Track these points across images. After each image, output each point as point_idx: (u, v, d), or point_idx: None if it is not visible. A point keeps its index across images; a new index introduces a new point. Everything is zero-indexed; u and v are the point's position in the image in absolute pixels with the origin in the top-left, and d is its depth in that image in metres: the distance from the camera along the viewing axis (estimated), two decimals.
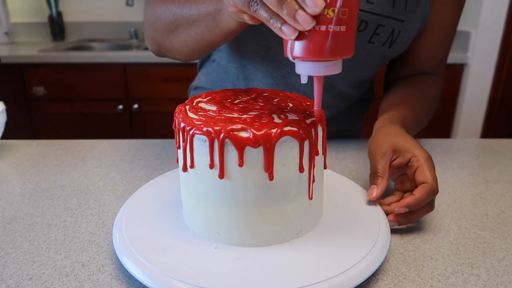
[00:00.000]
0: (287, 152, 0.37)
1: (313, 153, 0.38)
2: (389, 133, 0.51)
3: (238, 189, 0.37)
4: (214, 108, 0.41)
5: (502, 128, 1.93)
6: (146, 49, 1.97)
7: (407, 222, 0.45)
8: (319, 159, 0.40)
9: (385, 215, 0.44)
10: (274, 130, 0.36)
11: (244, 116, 0.39)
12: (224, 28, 0.47)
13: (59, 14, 2.07)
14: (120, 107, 1.79)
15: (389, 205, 0.47)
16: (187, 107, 0.42)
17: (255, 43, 0.65)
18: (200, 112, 0.40)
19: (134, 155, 0.67)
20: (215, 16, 0.47)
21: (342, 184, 0.52)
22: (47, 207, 0.51)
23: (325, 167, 0.43)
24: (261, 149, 0.36)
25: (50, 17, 2.06)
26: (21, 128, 1.81)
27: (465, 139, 0.77)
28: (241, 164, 0.36)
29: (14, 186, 0.57)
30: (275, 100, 0.45)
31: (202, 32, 0.51)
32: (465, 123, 1.89)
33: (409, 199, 0.44)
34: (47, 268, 0.39)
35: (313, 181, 0.40)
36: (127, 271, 0.38)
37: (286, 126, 0.37)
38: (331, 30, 0.32)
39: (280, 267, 0.36)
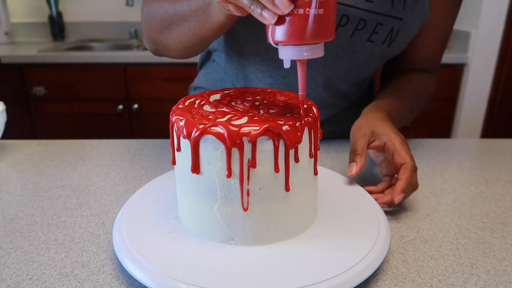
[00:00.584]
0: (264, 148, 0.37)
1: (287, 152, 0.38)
2: (371, 118, 0.56)
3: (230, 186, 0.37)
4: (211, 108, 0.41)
5: (502, 128, 1.93)
6: (146, 49, 1.98)
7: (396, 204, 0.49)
8: (304, 161, 0.39)
9: (385, 215, 0.44)
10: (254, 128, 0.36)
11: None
12: (214, 22, 0.48)
13: (59, 14, 2.07)
14: (120, 107, 1.79)
15: (383, 192, 0.51)
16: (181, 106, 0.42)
17: (254, 43, 0.65)
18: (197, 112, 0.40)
19: (134, 155, 0.67)
20: (205, 11, 0.48)
21: (341, 184, 0.52)
22: (47, 207, 0.51)
23: (315, 173, 0.42)
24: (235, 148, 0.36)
25: (50, 17, 2.06)
26: (21, 128, 1.81)
27: (465, 139, 0.77)
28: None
29: (14, 186, 0.57)
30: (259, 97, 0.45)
31: (194, 27, 0.53)
32: (465, 123, 1.89)
33: (399, 184, 0.48)
34: (47, 268, 0.39)
35: (286, 183, 0.39)
36: (127, 271, 0.38)
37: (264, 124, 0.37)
38: (309, 13, 0.34)
39: (280, 267, 0.36)
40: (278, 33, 0.36)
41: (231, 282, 0.34)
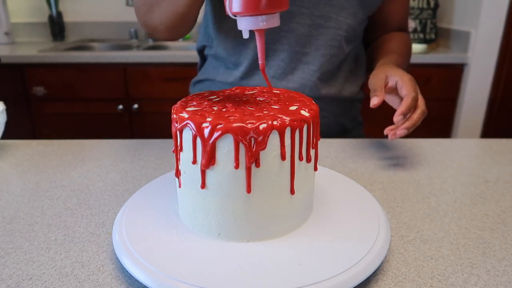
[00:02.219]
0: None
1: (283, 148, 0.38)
2: (384, 67, 0.67)
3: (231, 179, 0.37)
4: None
5: (502, 128, 1.93)
6: (146, 49, 1.98)
7: (407, 131, 0.57)
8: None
9: (385, 215, 0.44)
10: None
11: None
12: None
13: (59, 14, 2.07)
14: (120, 107, 1.79)
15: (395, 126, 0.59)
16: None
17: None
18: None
19: (134, 155, 0.67)
20: None
21: (342, 184, 0.52)
22: (47, 207, 0.51)
23: (315, 169, 0.43)
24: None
25: (50, 17, 2.07)
26: (21, 128, 1.81)
27: (465, 139, 0.77)
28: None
29: (14, 186, 0.57)
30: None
31: (170, 6, 0.59)
32: (465, 123, 1.89)
33: (400, 108, 0.56)
34: (47, 268, 0.39)
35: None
36: (127, 271, 0.38)
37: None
38: None
39: (280, 267, 0.36)
40: (234, 5, 0.38)
41: (231, 282, 0.34)
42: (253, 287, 0.33)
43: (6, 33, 1.99)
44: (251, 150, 0.36)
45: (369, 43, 0.90)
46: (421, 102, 0.60)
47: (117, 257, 0.40)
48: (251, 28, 0.39)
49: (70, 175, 0.60)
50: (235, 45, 0.76)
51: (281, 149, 0.37)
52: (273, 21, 0.39)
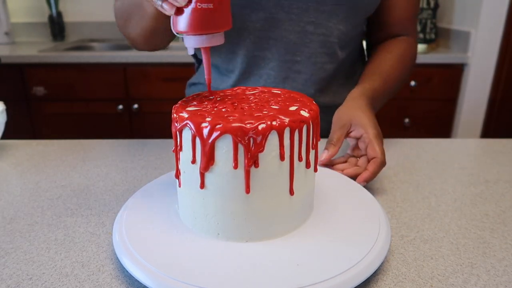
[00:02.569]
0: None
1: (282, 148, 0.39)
2: (353, 107, 0.61)
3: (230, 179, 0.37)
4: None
5: (502, 128, 1.93)
6: None
7: (366, 183, 0.54)
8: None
9: (385, 215, 0.44)
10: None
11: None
12: (151, 13, 0.54)
13: (59, 14, 2.07)
14: (120, 107, 1.79)
15: (342, 170, 0.56)
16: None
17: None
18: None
19: (134, 155, 0.67)
20: (141, 4, 0.55)
21: (342, 184, 0.52)
22: (47, 207, 0.51)
23: (315, 170, 0.43)
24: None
25: (50, 17, 2.07)
26: (21, 128, 1.81)
27: (465, 139, 0.77)
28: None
29: (14, 186, 0.57)
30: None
31: (140, 20, 0.59)
32: (465, 123, 1.89)
33: (365, 174, 0.54)
34: (47, 268, 0.39)
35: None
36: (127, 271, 0.38)
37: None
38: (201, 7, 0.39)
39: (280, 267, 0.36)
40: (179, 25, 0.40)
41: (231, 282, 0.34)
42: (252, 287, 0.33)
43: (6, 33, 1.99)
44: (250, 150, 0.36)
45: (371, 46, 0.83)
46: (382, 152, 0.55)
47: (117, 257, 0.40)
48: (196, 46, 0.41)
49: (70, 175, 0.60)
50: (227, 52, 0.74)
51: (280, 149, 0.37)
52: (217, 39, 0.41)
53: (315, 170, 0.44)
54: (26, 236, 0.45)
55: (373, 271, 0.36)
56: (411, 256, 0.42)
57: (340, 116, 0.60)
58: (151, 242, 0.39)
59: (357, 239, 0.40)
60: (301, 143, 0.39)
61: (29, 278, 0.38)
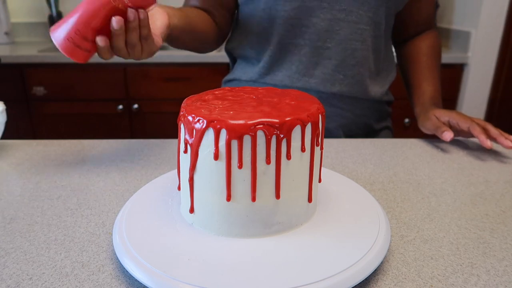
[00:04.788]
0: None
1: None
2: (429, 113, 0.76)
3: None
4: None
5: (502, 128, 1.93)
6: None
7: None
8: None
9: (385, 215, 0.44)
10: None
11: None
12: None
13: (59, 14, 2.07)
14: (120, 107, 1.79)
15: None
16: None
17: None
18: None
19: (134, 155, 0.67)
20: None
21: (342, 184, 0.52)
22: (47, 207, 0.51)
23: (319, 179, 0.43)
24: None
25: (50, 17, 2.06)
26: (21, 128, 1.81)
27: (465, 139, 0.77)
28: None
29: (14, 186, 0.57)
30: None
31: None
32: None
33: (482, 136, 0.66)
34: (47, 268, 0.39)
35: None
36: (127, 271, 0.38)
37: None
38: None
39: (279, 266, 0.36)
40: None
41: (231, 282, 0.34)
42: (252, 286, 0.33)
43: (6, 33, 1.99)
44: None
45: (398, 43, 0.91)
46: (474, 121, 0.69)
47: (117, 257, 0.40)
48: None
49: (70, 175, 0.60)
50: (259, 41, 0.79)
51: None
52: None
53: (320, 180, 0.44)
54: (26, 236, 0.45)
55: (373, 270, 0.36)
56: (411, 256, 0.42)
57: (424, 119, 0.76)
58: (151, 242, 0.39)
59: (356, 238, 0.40)
60: (318, 137, 0.40)
61: (29, 278, 0.38)
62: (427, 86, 0.81)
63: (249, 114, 0.38)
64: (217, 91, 0.46)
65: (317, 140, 0.40)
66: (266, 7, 0.75)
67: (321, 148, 0.43)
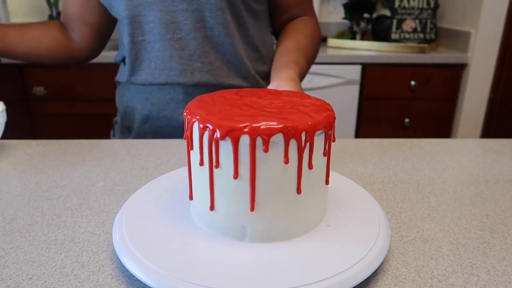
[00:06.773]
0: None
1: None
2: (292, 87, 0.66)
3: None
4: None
5: (502, 128, 1.93)
6: None
7: None
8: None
9: (385, 215, 0.44)
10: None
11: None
12: None
13: (59, 14, 2.07)
14: None
15: None
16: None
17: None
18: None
19: (134, 155, 0.67)
20: None
21: (341, 184, 0.52)
22: (47, 207, 0.51)
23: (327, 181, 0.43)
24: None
25: (50, 17, 2.06)
26: (21, 128, 1.81)
27: (465, 139, 0.77)
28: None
29: (14, 186, 0.57)
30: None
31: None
32: (465, 123, 1.89)
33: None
34: (47, 268, 0.39)
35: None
36: (127, 271, 0.38)
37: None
38: None
39: (279, 266, 0.36)
40: None
41: (232, 281, 0.34)
42: (252, 286, 0.33)
43: None
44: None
45: (276, 31, 0.89)
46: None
47: (117, 257, 0.40)
48: None
49: (70, 175, 0.60)
50: (122, 44, 0.83)
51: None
52: None
53: (327, 183, 0.43)
54: (26, 236, 0.45)
55: (373, 271, 0.36)
56: (411, 256, 0.42)
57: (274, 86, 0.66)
58: (151, 241, 0.39)
59: (356, 239, 0.40)
60: (330, 144, 0.40)
61: (29, 278, 0.38)
62: (302, 63, 0.74)
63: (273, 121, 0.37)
64: (227, 94, 0.45)
65: (330, 145, 0.41)
66: (116, 10, 0.78)
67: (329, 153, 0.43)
